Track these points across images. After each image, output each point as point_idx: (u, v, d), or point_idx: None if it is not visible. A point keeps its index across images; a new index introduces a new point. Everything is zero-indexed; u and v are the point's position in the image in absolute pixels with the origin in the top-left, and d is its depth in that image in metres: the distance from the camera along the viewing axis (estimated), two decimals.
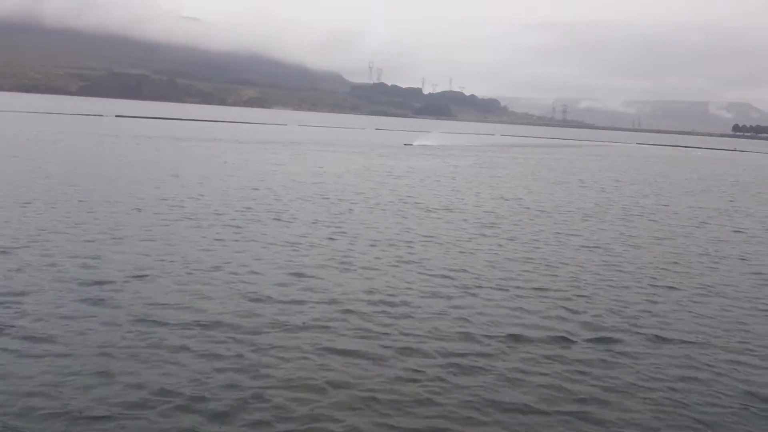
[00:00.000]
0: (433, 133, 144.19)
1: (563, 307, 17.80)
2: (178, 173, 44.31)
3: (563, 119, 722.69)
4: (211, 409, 11.09)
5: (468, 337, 15.14)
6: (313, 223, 28.31)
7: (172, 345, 13.50)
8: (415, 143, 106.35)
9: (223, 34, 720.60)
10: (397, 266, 21.37)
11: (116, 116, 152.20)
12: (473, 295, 18.58)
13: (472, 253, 24.14)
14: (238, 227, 26.25)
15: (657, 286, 20.79)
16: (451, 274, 20.75)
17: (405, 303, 17.36)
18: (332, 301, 17.05)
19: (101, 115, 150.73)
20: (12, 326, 13.99)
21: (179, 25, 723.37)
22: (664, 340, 15.62)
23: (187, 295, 16.78)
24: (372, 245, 24.36)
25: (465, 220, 31.82)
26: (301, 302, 16.85)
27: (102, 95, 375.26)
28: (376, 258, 22.28)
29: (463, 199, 40.28)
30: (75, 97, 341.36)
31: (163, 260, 20.14)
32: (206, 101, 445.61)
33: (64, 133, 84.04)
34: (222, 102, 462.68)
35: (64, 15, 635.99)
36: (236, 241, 23.71)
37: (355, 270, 20.50)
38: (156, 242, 22.64)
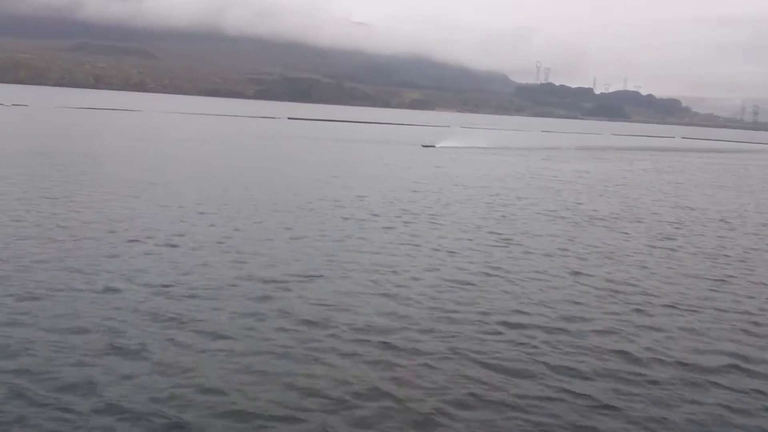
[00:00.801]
0: (468, 132, 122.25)
1: (745, 331, 15.90)
2: (340, 174, 45.20)
3: (754, 121, 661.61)
4: (351, 413, 10.97)
5: (631, 358, 13.96)
6: (472, 228, 27.48)
7: (325, 347, 13.57)
8: (438, 145, 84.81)
9: (389, 37, 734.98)
10: (560, 277, 20.26)
11: (288, 118, 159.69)
12: (641, 312, 17.19)
13: (643, 266, 22.33)
14: (398, 230, 26.09)
15: None
16: (618, 288, 19.36)
17: (565, 317, 16.39)
18: (487, 312, 16.41)
19: (275, 118, 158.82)
20: (188, 320, 14.63)
21: (349, 30, 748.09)
22: None
23: (345, 298, 16.86)
24: (534, 254, 23.29)
25: (637, 230, 29.57)
26: (454, 311, 16.36)
27: (275, 98, 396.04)
28: (537, 268, 21.26)
29: (635, 206, 37.66)
30: (251, 101, 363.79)
31: (327, 261, 20.44)
32: (371, 104, 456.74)
33: (244, 134, 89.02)
34: (386, 104, 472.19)
35: (243, 23, 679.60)
36: (395, 244, 23.58)
37: (513, 280, 19.64)
38: (320, 243, 23.01)
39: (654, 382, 12.82)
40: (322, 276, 18.76)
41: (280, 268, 19.25)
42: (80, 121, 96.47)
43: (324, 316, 15.40)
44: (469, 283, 18.84)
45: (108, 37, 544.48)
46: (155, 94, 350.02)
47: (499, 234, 26.56)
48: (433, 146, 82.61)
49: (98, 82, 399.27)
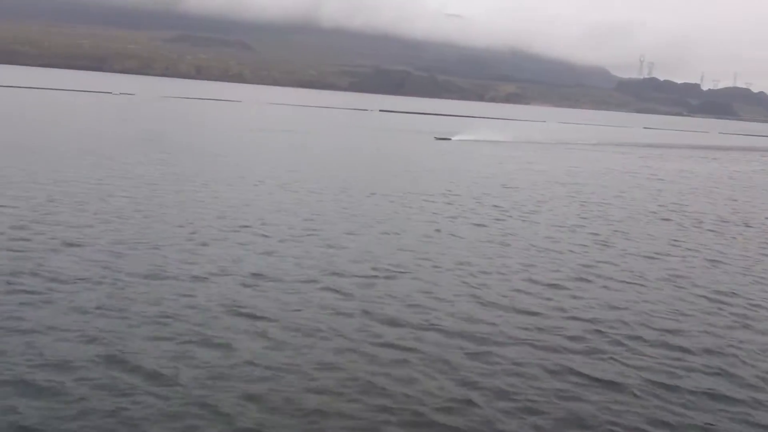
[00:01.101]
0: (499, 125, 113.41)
1: None
2: (432, 167, 44.80)
3: None
4: (431, 426, 10.52)
5: (735, 377, 12.96)
6: (567, 228, 26.48)
7: (408, 347, 13.22)
8: (455, 138, 75.39)
9: (484, 30, 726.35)
10: (660, 284, 19.16)
11: (380, 111, 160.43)
12: (748, 327, 16.01)
13: (751, 275, 20.91)
14: (489, 227, 25.49)
15: None
16: (723, 298, 18.15)
17: (664, 328, 15.39)
18: (575, 317, 15.67)
19: (367, 110, 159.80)
20: (274, 314, 14.59)
21: (443, 22, 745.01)
22: None
23: (431, 297, 16.46)
24: (632, 257, 22.19)
25: (745, 235, 27.73)
26: (545, 315, 15.69)
27: (368, 91, 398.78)
28: (635, 273, 20.16)
29: (743, 210, 35.44)
30: (344, 93, 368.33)
31: (415, 258, 20.06)
32: (464, 97, 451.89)
33: (339, 125, 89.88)
34: (479, 98, 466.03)
35: (338, 16, 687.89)
36: (485, 242, 22.95)
37: (609, 285, 18.70)
38: (409, 238, 22.65)
39: (763, 406, 11.81)
40: (409, 273, 18.42)
41: (369, 263, 19.03)
42: (182, 109, 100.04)
43: (408, 315, 15.03)
44: (561, 287, 18.06)
45: (209, 29, 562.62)
46: (252, 86, 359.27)
47: (596, 234, 25.46)
48: (449, 139, 74.05)
49: (199, 72, 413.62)
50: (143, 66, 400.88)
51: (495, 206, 30.49)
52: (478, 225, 25.86)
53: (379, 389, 11.40)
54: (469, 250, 21.64)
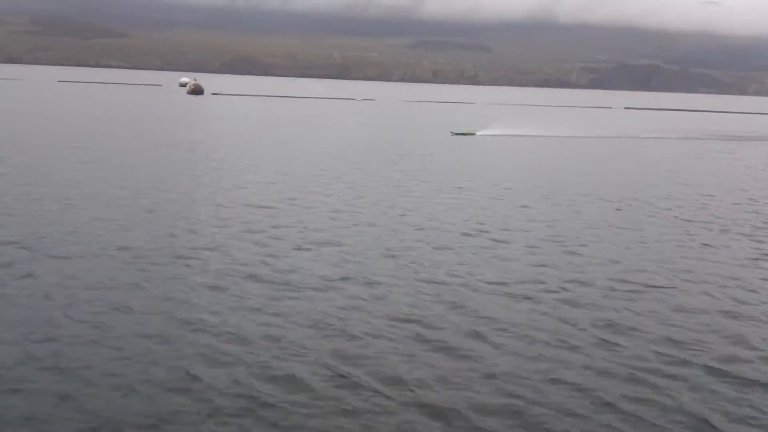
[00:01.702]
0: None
1: None
2: (678, 169, 40.99)
3: None
4: None
5: None
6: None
7: (640, 380, 11.43)
8: (480, 132, 63.37)
9: (748, 17, 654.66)
10: None
11: (625, 108, 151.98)
12: None
13: None
14: (748, 238, 22.30)
15: None
16: None
17: None
18: None
19: (610, 108, 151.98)
20: (500, 318, 13.97)
21: (697, 11, 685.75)
22: None
23: (675, 321, 14.30)
24: None
25: None
26: (748, 344, 13.13)
27: (610, 87, 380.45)
28: None
29: None
30: (584, 90, 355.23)
31: (662, 268, 18.06)
32: (723, 91, 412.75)
33: (575, 125, 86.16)
34: (741, 92, 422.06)
35: (577, 11, 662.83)
36: (744, 257, 19.90)
37: None
38: (657, 248, 20.38)
39: None
40: (655, 288, 16.38)
41: (610, 275, 17.28)
42: (416, 113, 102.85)
43: (654, 342, 13.08)
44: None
45: (445, 33, 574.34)
46: (487, 87, 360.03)
47: None
48: (473, 134, 62.76)
49: (436, 76, 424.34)
50: (384, 73, 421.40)
51: (759, 213, 26.62)
52: (738, 235, 22.71)
53: (608, 404, 10.26)
54: (730, 265, 18.85)
